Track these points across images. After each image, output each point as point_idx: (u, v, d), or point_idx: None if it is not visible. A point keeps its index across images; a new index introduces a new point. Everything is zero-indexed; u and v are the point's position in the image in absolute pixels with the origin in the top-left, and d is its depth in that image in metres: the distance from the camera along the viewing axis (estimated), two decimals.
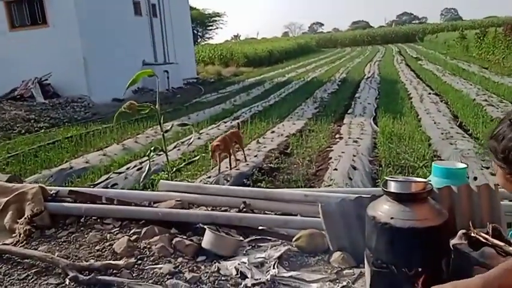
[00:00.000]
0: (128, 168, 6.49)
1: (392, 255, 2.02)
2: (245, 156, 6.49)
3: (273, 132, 8.36)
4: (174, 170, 4.65)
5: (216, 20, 43.74)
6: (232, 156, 6.10)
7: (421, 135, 7.19)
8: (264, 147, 7.20)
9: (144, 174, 4.25)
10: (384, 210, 2.02)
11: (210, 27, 43.95)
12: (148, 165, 4.36)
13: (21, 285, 2.34)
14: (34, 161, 7.30)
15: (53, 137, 9.27)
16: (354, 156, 6.08)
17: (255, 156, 6.66)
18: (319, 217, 2.66)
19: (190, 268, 2.41)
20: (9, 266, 2.53)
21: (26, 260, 2.54)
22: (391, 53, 35.50)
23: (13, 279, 2.40)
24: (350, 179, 5.25)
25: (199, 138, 8.13)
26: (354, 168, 5.59)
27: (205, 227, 2.64)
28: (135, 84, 4.39)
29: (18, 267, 2.50)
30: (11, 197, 3.04)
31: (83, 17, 13.70)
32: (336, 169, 5.55)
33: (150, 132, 9.11)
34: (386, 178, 2.09)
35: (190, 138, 6.60)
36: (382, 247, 2.04)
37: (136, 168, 6.46)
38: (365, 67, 23.27)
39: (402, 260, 2.00)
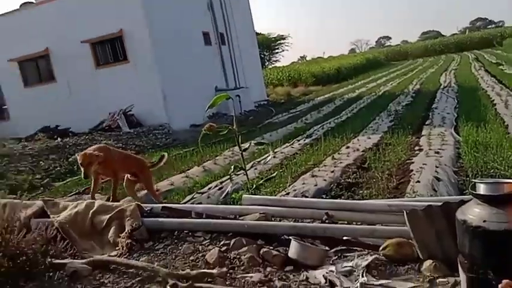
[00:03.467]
0: (209, 188, 6.76)
1: (489, 260, 1.95)
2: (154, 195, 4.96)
3: (348, 147, 8.28)
4: (253, 187, 4.80)
5: (281, 43, 44.44)
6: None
7: (511, 143, 6.73)
8: (340, 162, 7.15)
9: (226, 192, 4.44)
10: (474, 213, 1.97)
11: (276, 50, 44.72)
12: (230, 184, 4.56)
13: None
14: (124, 185, 7.88)
15: None
16: (437, 167, 5.84)
17: (332, 172, 6.63)
18: (405, 226, 2.63)
19: (279, 277, 2.50)
20: (116, 275, 2.78)
21: (129, 270, 2.78)
22: (468, 60, 33.59)
23: (120, 287, 2.64)
24: (435, 190, 5.04)
25: (274, 157, 8.25)
26: (438, 179, 5.36)
27: (291, 237, 2.72)
28: (213, 107, 4.66)
29: (124, 276, 2.75)
30: (113, 214, 3.36)
31: (158, 51, 14.70)
32: (418, 181, 5.37)
33: (227, 154, 9.44)
34: (475, 180, 2.04)
35: (267, 157, 6.71)
36: (477, 252, 1.98)
37: (217, 188, 6.72)
38: (440, 77, 22.25)
39: (500, 264, 1.92)
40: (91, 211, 3.48)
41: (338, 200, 3.29)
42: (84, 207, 3.56)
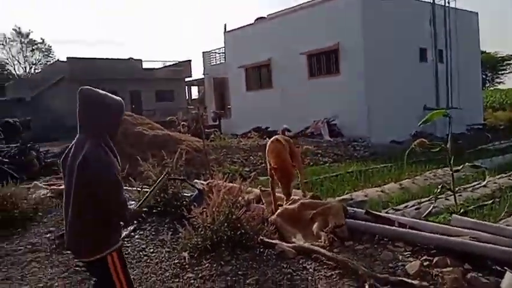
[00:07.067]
0: (405, 207, 6.54)
1: None
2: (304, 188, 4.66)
3: None
4: (460, 211, 4.47)
5: (510, 63, 38.97)
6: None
7: None
8: None
9: (428, 210, 4.28)
10: None
11: (502, 71, 39.43)
12: (433, 204, 4.37)
13: (327, 281, 2.79)
14: (321, 189, 8.28)
15: (336, 171, 10.26)
16: None
17: None
18: None
19: None
20: (317, 264, 3.05)
21: (329, 262, 3.00)
22: None
23: (321, 275, 2.89)
24: None
25: (485, 186, 7.42)
26: None
27: (506, 269, 2.50)
28: (428, 123, 4.54)
29: (324, 267, 2.99)
30: (319, 210, 3.65)
31: (370, 66, 14.83)
32: None
33: (428, 175, 8.92)
34: None
35: (479, 182, 6.12)
36: None
37: (414, 207, 6.45)
38: None
39: None
40: (300, 205, 3.85)
41: None
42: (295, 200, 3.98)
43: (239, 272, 3.10)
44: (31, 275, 3.68)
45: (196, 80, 31.52)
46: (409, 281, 2.54)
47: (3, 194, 5.07)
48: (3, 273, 3.79)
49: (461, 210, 4.46)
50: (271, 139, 4.50)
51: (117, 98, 2.25)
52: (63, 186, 6.34)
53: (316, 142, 14.16)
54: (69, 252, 4.00)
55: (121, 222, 2.25)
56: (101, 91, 2.22)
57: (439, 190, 4.30)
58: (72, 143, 2.21)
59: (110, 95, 2.22)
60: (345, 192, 7.93)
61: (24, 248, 4.31)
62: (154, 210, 4.67)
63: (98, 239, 2.13)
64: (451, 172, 4.28)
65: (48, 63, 42.56)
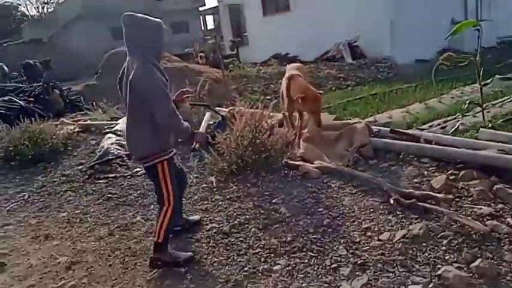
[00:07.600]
0: (431, 126, 6.44)
1: None
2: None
3: None
4: (488, 126, 4.36)
5: None
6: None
7: None
8: None
9: (456, 126, 4.20)
10: None
11: None
12: (461, 120, 4.27)
13: (352, 197, 2.84)
14: (343, 113, 8.20)
15: (359, 94, 10.07)
16: None
17: None
18: None
19: None
20: (342, 182, 3.08)
21: (354, 180, 3.03)
22: None
23: (346, 192, 2.93)
24: None
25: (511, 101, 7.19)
26: None
27: None
28: (456, 34, 4.30)
29: (349, 184, 3.03)
30: (343, 130, 3.63)
31: None
32: None
33: (455, 93, 8.66)
34: None
35: (509, 97, 5.91)
36: None
37: (440, 126, 6.35)
38: None
39: None
40: (324, 126, 3.81)
41: None
42: None
43: (265, 193, 3.18)
44: (68, 203, 3.88)
45: (210, 8, 30.47)
46: (434, 194, 2.55)
47: (33, 131, 5.23)
48: (41, 202, 4.02)
49: (489, 126, 4.35)
50: (287, 77, 4.04)
51: (157, 19, 2.43)
52: (89, 122, 6.48)
53: (338, 66, 13.79)
54: (101, 181, 4.21)
55: (174, 135, 2.52)
56: (141, 15, 2.40)
57: (466, 106, 4.15)
58: (124, 65, 2.44)
59: (149, 17, 2.41)
60: (368, 115, 7.83)
61: (58, 179, 4.51)
62: (179, 140, 4.74)
63: (149, 147, 2.40)
64: (479, 86, 4.09)
65: (60, 1, 41.60)
